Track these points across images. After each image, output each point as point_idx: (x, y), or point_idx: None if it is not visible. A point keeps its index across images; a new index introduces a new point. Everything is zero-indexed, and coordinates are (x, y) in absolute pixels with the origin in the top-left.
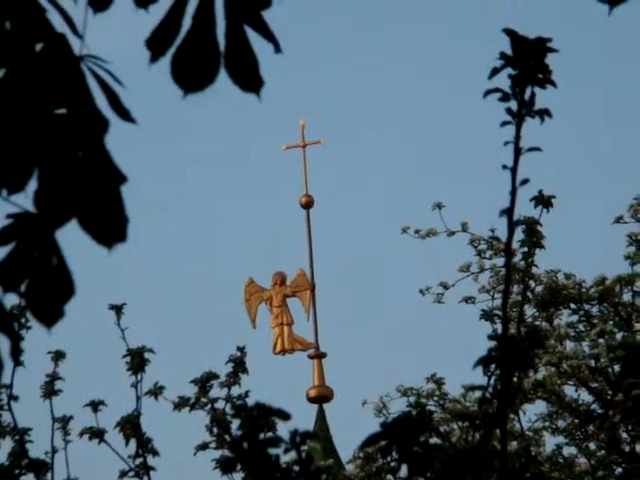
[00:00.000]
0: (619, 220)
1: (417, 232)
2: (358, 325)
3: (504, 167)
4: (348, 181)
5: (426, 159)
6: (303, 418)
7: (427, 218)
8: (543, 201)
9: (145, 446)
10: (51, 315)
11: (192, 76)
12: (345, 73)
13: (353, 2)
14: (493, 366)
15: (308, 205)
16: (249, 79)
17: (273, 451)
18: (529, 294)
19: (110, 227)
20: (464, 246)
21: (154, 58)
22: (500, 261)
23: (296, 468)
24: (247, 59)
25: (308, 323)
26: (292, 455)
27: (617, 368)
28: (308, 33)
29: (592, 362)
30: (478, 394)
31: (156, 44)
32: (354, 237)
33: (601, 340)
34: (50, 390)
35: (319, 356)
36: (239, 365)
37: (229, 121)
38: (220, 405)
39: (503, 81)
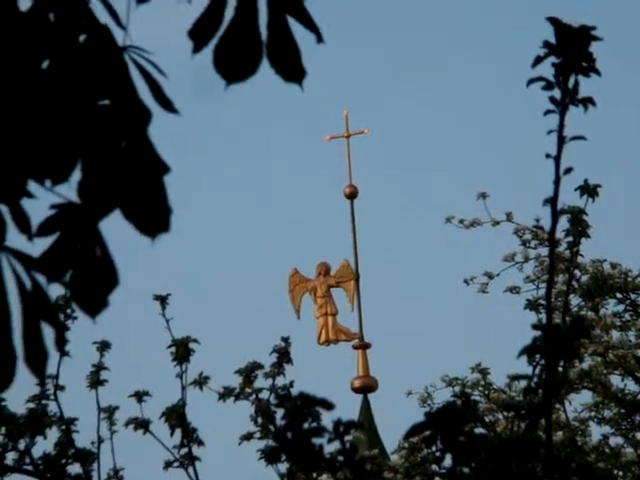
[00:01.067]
0: None
1: (461, 222)
2: (402, 315)
3: (547, 156)
4: (392, 171)
5: (470, 148)
6: (348, 408)
7: (472, 208)
8: (589, 190)
9: (190, 436)
10: (95, 305)
11: (235, 66)
12: (389, 62)
13: None
14: (538, 356)
15: (352, 195)
16: (292, 69)
17: (317, 441)
18: (574, 283)
19: (153, 217)
20: (509, 236)
21: (197, 49)
22: (545, 251)
23: (340, 458)
24: (289, 49)
25: (352, 313)
26: (336, 445)
27: None
28: (349, 21)
29: (638, 351)
30: (523, 384)
31: (199, 35)
32: (398, 227)
33: None
34: (96, 380)
35: (363, 346)
36: (283, 355)
37: (274, 112)
38: (264, 395)
39: (547, 70)
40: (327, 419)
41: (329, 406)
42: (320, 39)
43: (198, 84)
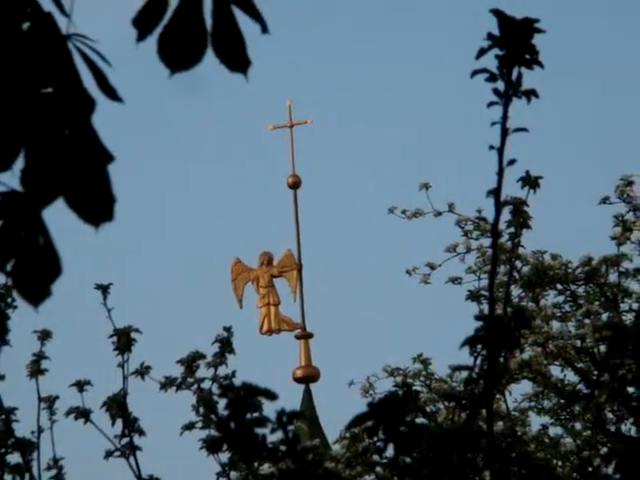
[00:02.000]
0: (605, 201)
1: (404, 212)
2: (345, 305)
3: (491, 147)
4: (335, 161)
5: (413, 139)
6: (289, 398)
7: (414, 198)
8: (530, 182)
9: (131, 426)
10: (38, 294)
11: (179, 55)
12: (332, 52)
13: None
14: (479, 346)
15: (295, 185)
16: (236, 59)
17: (260, 431)
18: (515, 274)
19: (97, 206)
20: (451, 227)
21: (141, 37)
22: (487, 242)
23: (283, 448)
24: (234, 39)
25: (295, 303)
26: (279, 435)
27: (603, 348)
28: (294, 11)
29: (578, 342)
30: (464, 374)
31: (143, 23)
32: (341, 217)
33: (587, 320)
34: (36, 369)
35: (306, 336)
36: (226, 345)
37: (216, 102)
38: (207, 385)
39: (490, 61)
40: (269, 409)
41: (272, 396)
42: (265, 29)
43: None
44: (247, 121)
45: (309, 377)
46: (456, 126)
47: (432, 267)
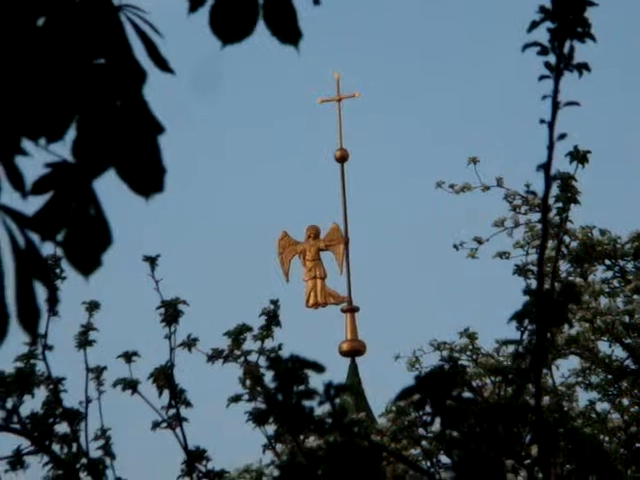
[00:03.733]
0: None
1: (452, 187)
2: (391, 280)
3: (542, 121)
4: (383, 135)
5: (463, 113)
6: (335, 372)
7: (462, 173)
8: (578, 156)
9: (178, 397)
10: (89, 264)
11: (230, 27)
12: (380, 25)
13: None
14: (527, 321)
15: (343, 159)
16: (287, 31)
17: (307, 403)
18: (564, 250)
19: (148, 177)
20: (499, 201)
21: (193, 8)
22: (534, 216)
23: (329, 420)
24: (286, 11)
25: (341, 277)
26: (326, 407)
27: None
28: None
29: (626, 318)
30: (511, 349)
31: None
32: (388, 191)
33: (636, 296)
34: (84, 340)
35: (352, 310)
36: (272, 318)
37: (265, 74)
38: (253, 358)
39: (542, 35)
40: (316, 382)
41: (320, 369)
42: (317, 1)
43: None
44: (296, 94)
45: (355, 351)
46: (506, 100)
47: (479, 242)
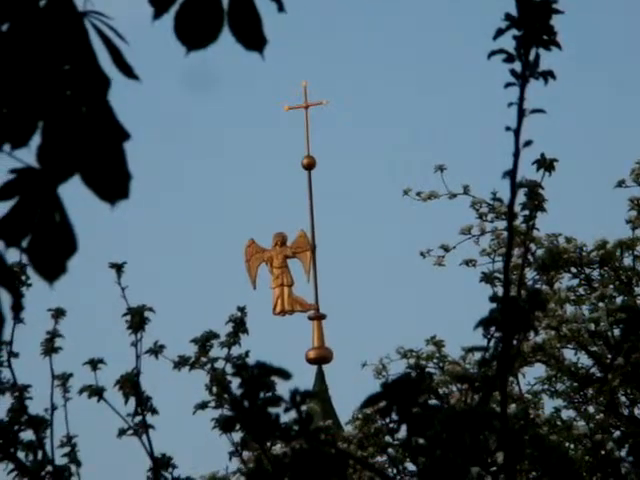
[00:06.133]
0: (621, 184)
1: (419, 194)
2: (358, 287)
3: (507, 129)
4: (350, 142)
5: (429, 120)
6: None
7: (429, 180)
8: (545, 164)
9: (144, 404)
10: (53, 271)
11: (195, 33)
12: (347, 33)
13: None
14: (493, 328)
15: (310, 166)
16: (252, 37)
17: (273, 410)
18: (530, 257)
19: (113, 183)
20: (465, 209)
21: (157, 14)
22: (501, 224)
23: (296, 427)
24: (251, 17)
25: (308, 284)
26: (292, 414)
27: (617, 332)
28: None
29: (592, 326)
30: (477, 357)
31: (160, 0)
32: (355, 199)
33: (601, 304)
34: (50, 347)
35: (319, 317)
36: (239, 325)
37: (231, 81)
38: (220, 365)
39: (508, 42)
40: (282, 389)
41: (286, 375)
42: (281, 8)
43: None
44: (263, 102)
45: (322, 358)
46: (472, 107)
47: (446, 249)
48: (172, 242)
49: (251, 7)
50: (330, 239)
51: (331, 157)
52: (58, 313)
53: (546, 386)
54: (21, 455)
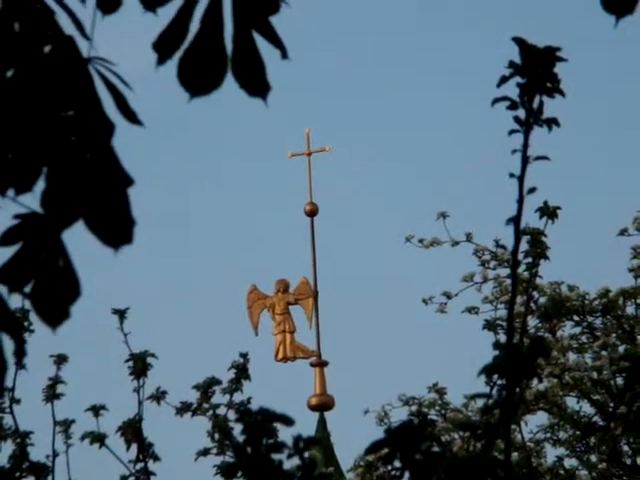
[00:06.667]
0: (624, 232)
1: (421, 241)
2: (360, 334)
3: (511, 175)
4: (353, 189)
5: (432, 168)
6: (304, 426)
7: (431, 227)
8: (548, 212)
9: (146, 451)
10: (57, 316)
11: (199, 79)
12: (350, 81)
13: (357, 5)
14: (496, 376)
15: (312, 213)
16: (256, 84)
17: (276, 456)
18: (532, 305)
19: (117, 229)
20: (468, 256)
21: (161, 61)
22: (504, 272)
23: (299, 474)
24: (254, 64)
25: (310, 331)
26: (294, 461)
27: (619, 381)
28: (312, 39)
29: (595, 374)
30: (479, 404)
31: (163, 47)
32: (358, 245)
33: (604, 352)
34: (52, 394)
35: (321, 364)
36: (241, 371)
37: (235, 127)
38: (222, 411)
39: (512, 90)
40: (283, 436)
41: (289, 422)
42: (285, 55)
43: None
44: (265, 148)
45: (324, 405)
46: (475, 154)
47: (448, 296)
48: (174, 288)
49: (255, 54)
50: (332, 285)
51: (333, 203)
52: (60, 359)
53: (548, 434)
54: None
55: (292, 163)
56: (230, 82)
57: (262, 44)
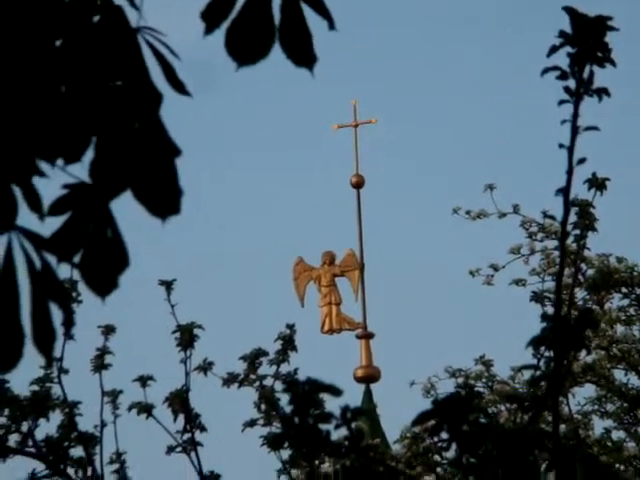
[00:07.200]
0: None
1: (468, 213)
2: (407, 306)
3: (561, 146)
4: (399, 161)
5: (480, 138)
6: (350, 398)
7: (479, 199)
8: (597, 183)
9: (193, 422)
10: (105, 286)
11: (246, 49)
12: (399, 52)
13: None
14: (543, 348)
15: (359, 185)
16: (303, 54)
17: (323, 427)
18: (580, 277)
19: (164, 199)
20: (515, 228)
21: (209, 30)
22: (551, 244)
23: (346, 444)
24: (301, 34)
25: (356, 303)
26: (342, 432)
27: None
28: (360, 10)
29: None
30: (527, 376)
31: (211, 16)
32: (404, 217)
33: None
34: (100, 364)
35: (367, 336)
36: (288, 342)
37: (281, 99)
38: (269, 382)
39: (562, 59)
40: (329, 407)
41: (337, 392)
42: (332, 26)
43: (198, 80)
44: (312, 119)
45: (370, 377)
46: (524, 125)
47: (495, 268)
48: (221, 259)
49: (302, 24)
50: (378, 258)
51: (380, 176)
52: (108, 330)
53: (596, 406)
54: (71, 471)
55: (338, 135)
56: (277, 52)
57: (310, 14)
